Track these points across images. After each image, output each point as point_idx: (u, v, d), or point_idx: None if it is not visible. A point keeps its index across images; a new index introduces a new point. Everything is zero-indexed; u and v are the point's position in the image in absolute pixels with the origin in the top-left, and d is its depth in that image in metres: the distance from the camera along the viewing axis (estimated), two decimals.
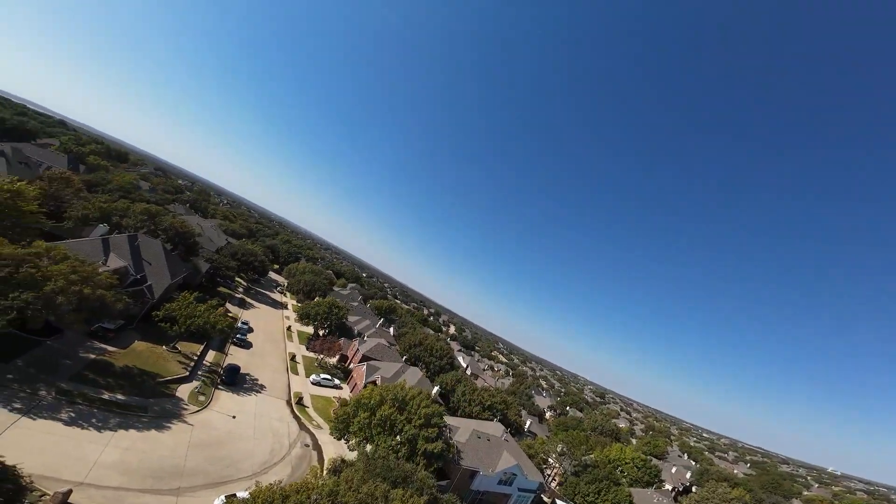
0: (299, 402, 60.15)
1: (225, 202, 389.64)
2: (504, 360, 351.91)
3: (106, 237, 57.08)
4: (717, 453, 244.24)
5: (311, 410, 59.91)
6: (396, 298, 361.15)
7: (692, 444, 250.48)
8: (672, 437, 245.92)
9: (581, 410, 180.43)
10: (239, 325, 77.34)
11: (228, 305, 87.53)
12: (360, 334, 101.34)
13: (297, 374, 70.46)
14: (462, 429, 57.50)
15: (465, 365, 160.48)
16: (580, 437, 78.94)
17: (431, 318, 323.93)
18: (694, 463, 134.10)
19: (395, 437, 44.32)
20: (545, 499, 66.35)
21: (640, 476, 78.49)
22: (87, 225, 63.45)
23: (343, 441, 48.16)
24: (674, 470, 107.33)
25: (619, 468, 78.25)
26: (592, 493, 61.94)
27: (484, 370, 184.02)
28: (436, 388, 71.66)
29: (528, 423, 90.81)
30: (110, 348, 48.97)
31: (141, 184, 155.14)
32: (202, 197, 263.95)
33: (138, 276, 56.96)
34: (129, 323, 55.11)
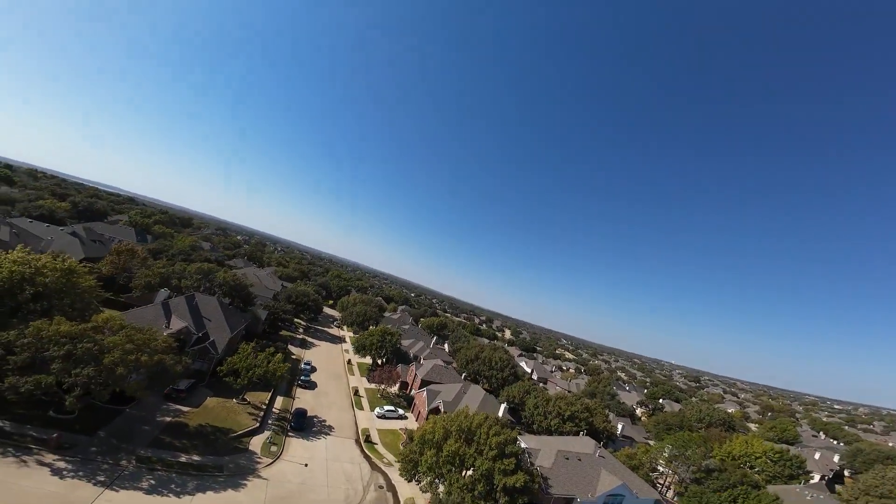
0: (367, 439, 57.07)
1: (279, 249, 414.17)
2: (571, 356, 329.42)
3: (167, 301, 58.89)
4: (859, 426, 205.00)
5: (380, 447, 56.55)
6: (446, 312, 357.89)
7: (824, 419, 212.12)
8: (798, 416, 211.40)
9: (677, 401, 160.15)
10: (302, 366, 77.22)
11: (291, 347, 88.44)
12: (415, 358, 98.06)
13: (361, 408, 67.97)
14: (544, 450, 50.73)
15: (529, 370, 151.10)
16: (693, 437, 66.58)
17: (484, 327, 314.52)
18: (836, 442, 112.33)
19: (467, 472, 39.21)
20: None
21: (780, 471, 65.37)
22: (151, 291, 66.52)
23: (414, 482, 43.70)
24: (817, 455, 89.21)
25: (750, 465, 65.53)
26: (728, 501, 50.95)
27: (552, 372, 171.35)
28: (503, 406, 65.72)
29: (619, 427, 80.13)
30: (184, 408, 49.25)
31: (203, 244, 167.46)
32: (258, 248, 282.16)
33: (200, 334, 57.84)
34: (199, 380, 55.75)
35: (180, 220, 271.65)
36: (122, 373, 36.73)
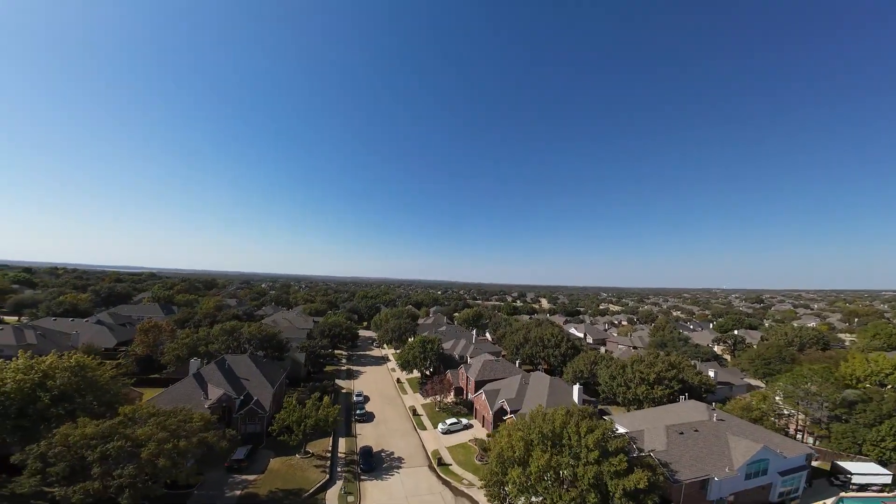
0: (440, 462, 51.55)
1: (303, 287, 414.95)
2: (617, 308, 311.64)
3: (199, 371, 54.50)
4: None
5: (455, 468, 50.92)
6: (476, 300, 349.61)
7: None
8: (887, 315, 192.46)
9: (753, 328, 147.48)
10: (354, 398, 72.45)
11: (339, 382, 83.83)
12: (461, 359, 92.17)
13: (424, 428, 62.54)
14: (649, 429, 43.16)
15: (581, 336, 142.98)
16: (815, 369, 57.11)
17: (519, 303, 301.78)
18: None
19: (568, 488, 32.78)
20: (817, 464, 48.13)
21: None
22: (183, 363, 62.50)
23: None
24: None
25: (881, 383, 56.30)
26: (891, 436, 42.55)
27: (605, 330, 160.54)
28: (576, 389, 58.79)
29: (711, 374, 69.65)
30: (250, 477, 44.69)
31: (229, 302, 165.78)
32: (283, 291, 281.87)
33: (241, 397, 53.23)
34: (256, 443, 51.14)
35: (203, 284, 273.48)
36: (165, 464, 32.01)
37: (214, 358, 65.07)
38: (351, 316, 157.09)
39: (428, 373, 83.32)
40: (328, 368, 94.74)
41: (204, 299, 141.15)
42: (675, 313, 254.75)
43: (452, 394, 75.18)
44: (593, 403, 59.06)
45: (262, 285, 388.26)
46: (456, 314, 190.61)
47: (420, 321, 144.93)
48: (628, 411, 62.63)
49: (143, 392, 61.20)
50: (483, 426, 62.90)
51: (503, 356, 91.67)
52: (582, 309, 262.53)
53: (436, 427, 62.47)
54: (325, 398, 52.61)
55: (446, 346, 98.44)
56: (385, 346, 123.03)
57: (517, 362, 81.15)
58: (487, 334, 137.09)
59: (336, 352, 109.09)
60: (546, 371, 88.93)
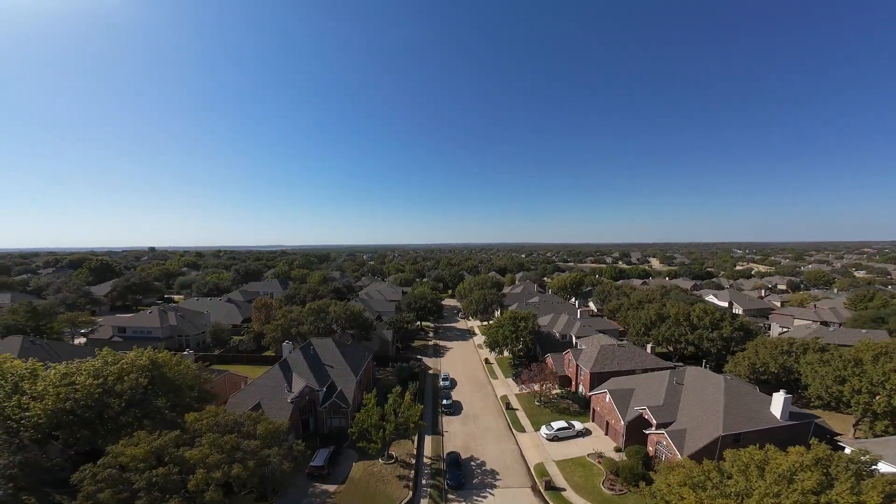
0: (549, 485, 38.52)
1: (396, 255, 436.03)
2: (765, 268, 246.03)
3: (285, 359, 50.35)
4: None
5: (570, 495, 37.40)
6: (567, 262, 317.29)
7: None
8: None
9: None
10: (441, 382, 63.76)
11: (425, 360, 76.74)
12: (564, 338, 75.75)
13: (523, 430, 50.01)
14: None
15: (725, 304, 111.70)
16: None
17: (621, 263, 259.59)
18: None
19: None
20: None
21: None
22: (277, 344, 60.48)
23: None
24: None
25: None
26: None
27: (762, 298, 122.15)
28: (780, 398, 37.80)
29: None
30: (330, 488, 38.48)
31: (334, 275, 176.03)
32: (379, 261, 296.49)
33: (324, 389, 47.52)
34: (342, 440, 45.43)
35: (317, 258, 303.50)
36: (215, 497, 25.49)
37: (306, 339, 62.17)
38: (436, 285, 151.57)
39: (521, 355, 70.04)
40: (417, 343, 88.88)
41: (313, 274, 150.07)
42: (858, 273, 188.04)
43: (557, 386, 60.83)
44: (806, 420, 38.34)
45: (364, 256, 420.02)
46: (547, 280, 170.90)
47: (506, 290, 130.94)
48: (865, 432, 40.57)
49: (247, 376, 61.54)
50: (607, 435, 47.54)
51: (627, 340, 71.96)
52: (713, 270, 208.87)
53: (537, 429, 49.44)
54: (407, 396, 43.53)
55: (542, 321, 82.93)
56: (471, 318, 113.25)
57: (649, 348, 61.37)
58: (591, 304, 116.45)
59: (423, 323, 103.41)
60: (682, 358, 67.33)
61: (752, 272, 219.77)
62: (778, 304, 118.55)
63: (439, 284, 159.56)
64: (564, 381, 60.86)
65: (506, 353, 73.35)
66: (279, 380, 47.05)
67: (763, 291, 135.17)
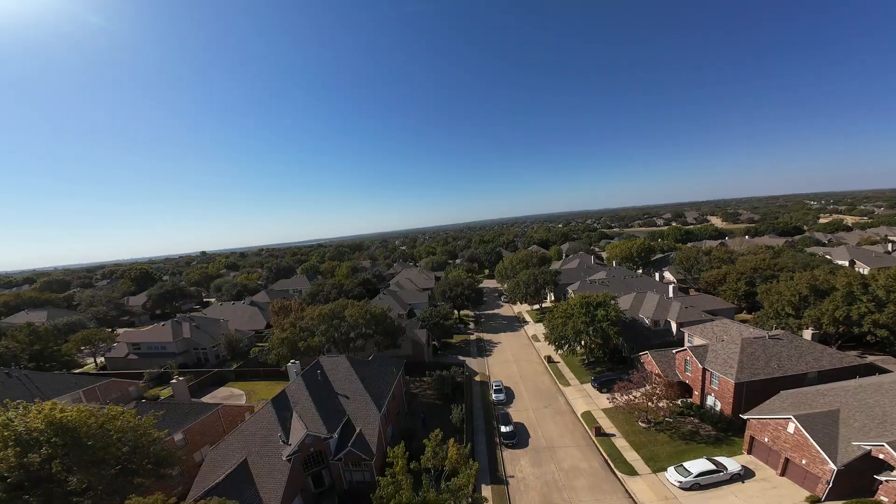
0: None
1: (427, 238, 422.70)
2: (854, 218, 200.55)
3: (283, 393, 36.12)
4: None
5: None
6: (612, 227, 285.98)
7: None
8: None
9: None
10: (493, 396, 47.71)
11: (468, 363, 60.88)
12: (656, 325, 55.83)
13: (633, 472, 32.62)
14: None
15: (845, 263, 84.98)
16: None
17: (678, 224, 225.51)
18: None
19: None
20: None
21: None
22: (283, 361, 46.95)
23: None
24: None
25: None
26: None
27: (893, 251, 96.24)
28: None
29: None
30: None
31: (365, 264, 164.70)
32: (410, 246, 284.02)
33: (334, 436, 32.75)
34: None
35: (350, 248, 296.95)
36: None
37: (318, 354, 48.19)
38: (471, 266, 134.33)
39: (600, 353, 51.50)
40: (455, 339, 73.15)
41: (341, 265, 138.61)
42: None
43: (664, 398, 41.77)
44: None
45: (396, 241, 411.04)
46: (596, 250, 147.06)
47: (556, 266, 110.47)
48: None
49: (253, 405, 49.05)
50: (784, 475, 29.07)
51: (768, 333, 51.71)
52: (800, 226, 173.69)
53: (659, 470, 31.83)
54: (451, 449, 27.59)
55: (621, 304, 62.74)
56: (518, 301, 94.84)
57: (807, 334, 40.53)
58: (668, 275, 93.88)
59: (462, 312, 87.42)
60: (839, 343, 45.53)
61: (846, 223, 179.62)
62: None
63: (474, 265, 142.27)
64: (684, 392, 41.69)
65: (579, 350, 55.03)
66: (272, 424, 32.94)
67: (890, 246, 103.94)
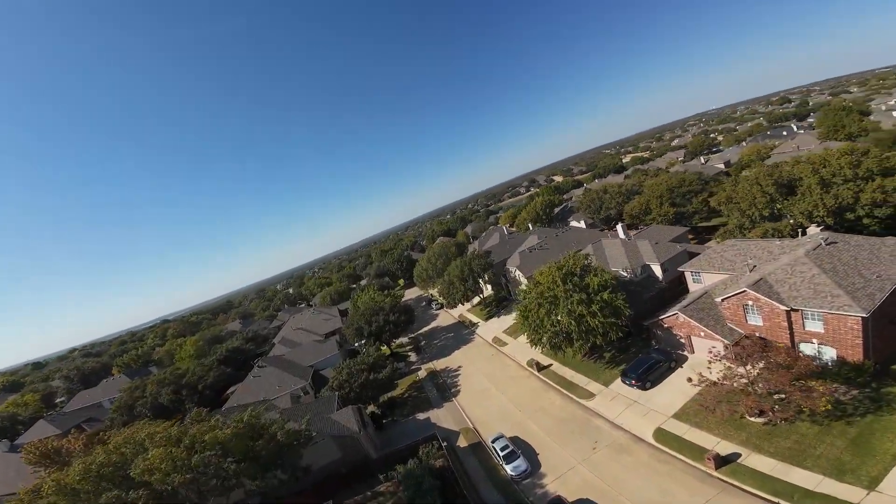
0: None
1: (317, 270, 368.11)
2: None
3: None
4: None
5: None
6: (488, 206, 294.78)
7: None
8: None
9: None
10: (505, 467, 28.03)
11: (433, 417, 39.32)
12: (633, 274, 45.00)
13: None
14: None
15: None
16: None
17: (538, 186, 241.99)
18: None
19: None
20: None
21: None
22: None
23: None
24: None
25: None
26: None
27: None
28: None
29: None
30: None
31: (231, 327, 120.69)
32: (297, 285, 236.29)
33: None
34: None
35: (211, 313, 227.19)
36: None
37: None
38: (383, 282, 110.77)
39: (610, 335, 36.83)
40: (400, 387, 50.14)
41: (188, 341, 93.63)
42: None
43: (757, 411, 28.68)
44: None
45: (278, 286, 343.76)
46: (506, 217, 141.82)
47: (472, 248, 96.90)
48: None
49: None
50: None
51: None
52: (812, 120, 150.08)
53: None
54: None
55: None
56: (459, 303, 75.84)
57: (812, 229, 32.89)
58: (577, 223, 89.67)
59: (396, 343, 64.35)
60: None
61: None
62: None
63: (385, 280, 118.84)
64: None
65: (575, 343, 39.24)
66: None
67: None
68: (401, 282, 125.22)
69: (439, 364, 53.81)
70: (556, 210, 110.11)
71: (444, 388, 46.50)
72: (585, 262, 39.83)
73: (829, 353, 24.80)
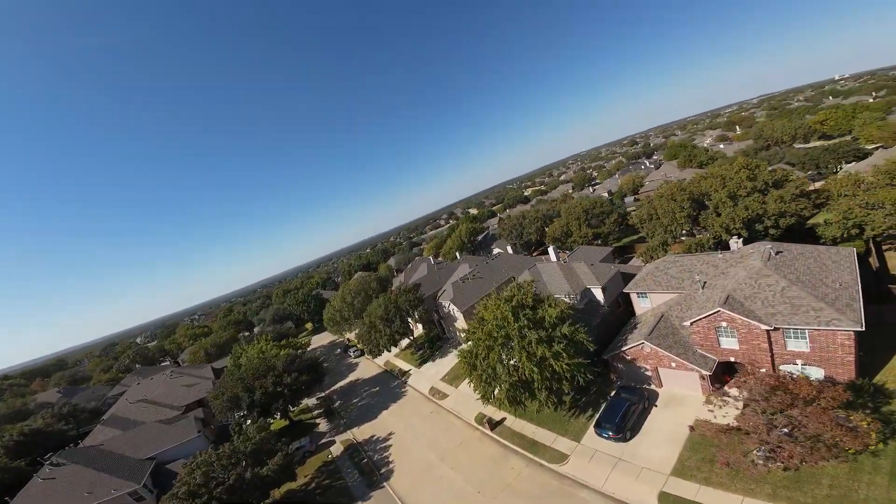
0: None
1: (198, 317, 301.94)
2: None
3: None
4: None
5: None
6: (412, 237, 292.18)
7: None
8: None
9: None
10: None
11: None
12: (578, 300, 42.04)
13: None
14: None
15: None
16: None
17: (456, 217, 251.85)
18: None
19: None
20: None
21: None
22: None
23: None
24: None
25: None
26: None
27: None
28: None
29: None
30: None
31: (48, 399, 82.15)
32: (163, 336, 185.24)
33: None
34: None
35: (22, 377, 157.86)
36: None
37: None
38: (283, 329, 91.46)
39: (583, 379, 31.21)
40: (304, 474, 35.84)
41: None
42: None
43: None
44: None
45: (137, 339, 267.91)
46: (430, 249, 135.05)
47: (399, 283, 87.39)
48: None
49: None
50: None
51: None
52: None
53: None
54: None
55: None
56: (384, 350, 63.62)
57: (735, 242, 34.10)
58: (501, 249, 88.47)
59: (301, 407, 48.77)
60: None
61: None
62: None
63: (287, 326, 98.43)
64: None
65: (537, 392, 32.60)
66: None
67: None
68: (308, 326, 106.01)
69: (362, 432, 41.21)
70: (479, 238, 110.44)
71: (369, 468, 34.37)
72: (534, 290, 35.04)
73: (816, 374, 23.39)
